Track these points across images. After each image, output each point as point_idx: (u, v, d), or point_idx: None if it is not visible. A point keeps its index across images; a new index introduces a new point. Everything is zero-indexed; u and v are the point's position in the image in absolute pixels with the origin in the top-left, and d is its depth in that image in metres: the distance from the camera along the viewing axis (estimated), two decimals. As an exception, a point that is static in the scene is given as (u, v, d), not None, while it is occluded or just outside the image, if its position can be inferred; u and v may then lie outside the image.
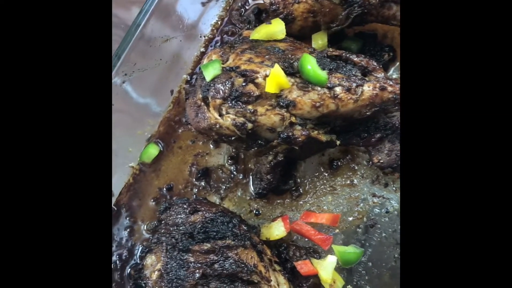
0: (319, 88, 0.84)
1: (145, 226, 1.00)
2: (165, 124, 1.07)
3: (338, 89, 0.84)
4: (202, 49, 1.09)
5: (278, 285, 0.85)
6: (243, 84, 0.83)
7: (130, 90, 1.02)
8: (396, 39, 1.01)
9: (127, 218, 1.02)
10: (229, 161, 1.02)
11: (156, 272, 0.81)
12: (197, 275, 0.78)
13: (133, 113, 1.05)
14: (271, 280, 0.84)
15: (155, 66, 1.05)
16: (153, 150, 1.04)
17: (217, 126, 0.85)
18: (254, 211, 0.98)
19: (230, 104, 0.83)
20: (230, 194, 1.01)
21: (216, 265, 0.79)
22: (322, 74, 0.82)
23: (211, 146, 1.04)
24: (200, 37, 1.09)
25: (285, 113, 0.84)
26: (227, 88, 0.83)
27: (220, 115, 0.85)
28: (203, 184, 1.02)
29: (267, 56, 0.86)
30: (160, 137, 1.06)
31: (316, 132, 0.86)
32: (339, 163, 0.98)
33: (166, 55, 1.06)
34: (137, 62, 1.00)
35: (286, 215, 0.95)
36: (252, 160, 1.00)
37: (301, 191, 0.98)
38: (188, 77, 1.09)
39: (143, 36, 0.99)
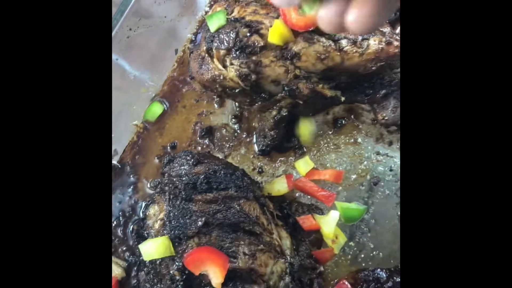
0: (324, 40, 0.83)
1: (149, 184, 1.01)
2: (169, 83, 1.07)
3: (343, 42, 0.83)
4: (207, 8, 1.08)
5: (280, 239, 0.85)
6: (248, 34, 0.82)
7: (136, 46, 1.01)
8: (403, -2, 1.00)
9: (131, 176, 1.02)
10: (233, 120, 1.02)
11: (159, 222, 0.81)
12: (200, 223, 0.78)
13: (138, 70, 1.05)
14: (273, 233, 0.84)
15: (159, 23, 1.04)
16: (157, 109, 1.04)
17: (221, 78, 0.84)
18: (257, 169, 0.98)
19: (234, 55, 0.83)
20: (234, 152, 1.01)
21: (218, 215, 0.79)
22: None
23: (215, 105, 1.04)
24: (206, -4, 1.09)
25: (289, 65, 0.83)
26: (231, 38, 0.83)
27: (224, 66, 0.84)
28: (206, 142, 1.02)
29: (272, 8, 0.85)
30: (164, 96, 1.06)
31: (320, 86, 0.86)
32: (343, 121, 0.97)
33: (170, 13, 1.06)
34: (142, 18, 1.00)
35: (291, 174, 0.95)
36: (255, 119, 1.00)
37: (304, 149, 0.97)
38: (193, 36, 1.08)
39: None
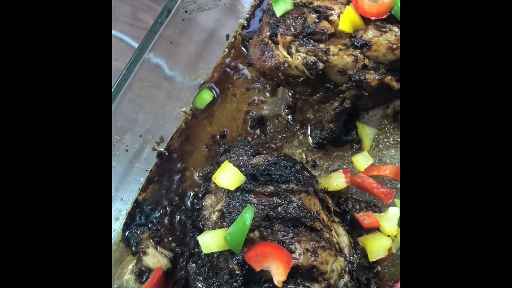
0: (396, 29, 0.78)
1: (197, 173, 0.98)
2: (219, 70, 1.03)
3: (416, 32, 0.79)
4: (262, -7, 1.04)
5: (338, 235, 0.82)
6: (316, 20, 0.78)
7: (188, 30, 0.98)
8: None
9: (179, 164, 0.99)
10: (286, 110, 0.98)
11: (216, 213, 0.78)
12: (261, 216, 0.74)
13: (188, 56, 1.01)
14: (332, 230, 0.81)
15: (214, 7, 1.00)
16: (207, 96, 1.01)
17: (285, 65, 0.80)
18: (311, 163, 0.95)
19: (301, 42, 0.79)
20: (286, 144, 0.97)
21: (279, 208, 0.76)
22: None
23: (267, 94, 1.00)
24: (260, -19, 1.04)
25: (358, 54, 0.79)
26: (298, 24, 0.79)
27: (289, 53, 0.80)
28: (257, 132, 0.98)
29: (341, -7, 0.81)
30: (214, 83, 1.02)
31: (389, 77, 0.81)
32: (404, 116, 0.93)
33: (224, -3, 1.02)
34: (197, 1, 0.96)
35: (348, 169, 0.91)
36: (310, 109, 0.96)
37: (362, 144, 0.93)
38: (245, 22, 1.04)
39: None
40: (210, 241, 0.74)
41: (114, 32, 1.25)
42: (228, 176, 0.77)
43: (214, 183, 0.81)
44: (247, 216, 0.72)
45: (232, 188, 0.76)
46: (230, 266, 0.73)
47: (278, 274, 0.70)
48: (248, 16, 1.05)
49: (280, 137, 0.98)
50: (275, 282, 0.70)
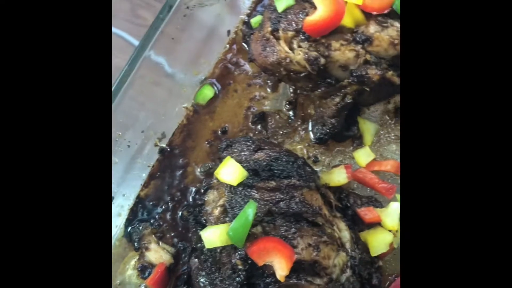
0: (397, 24, 0.78)
1: (199, 168, 0.98)
2: (220, 65, 1.03)
3: (417, 27, 0.79)
4: (263, -11, 1.04)
5: (339, 230, 0.82)
6: (318, 16, 0.78)
7: (189, 26, 0.98)
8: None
9: (180, 160, 0.99)
10: (287, 106, 0.98)
11: (219, 208, 0.78)
12: (264, 211, 0.75)
13: (189, 52, 1.01)
14: (334, 225, 0.81)
15: (215, 2, 1.00)
16: (209, 92, 1.01)
17: (287, 61, 0.80)
18: (312, 158, 0.95)
19: (303, 37, 0.79)
20: (287, 139, 0.97)
21: (281, 204, 0.76)
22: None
23: (268, 90, 1.00)
24: (261, -23, 1.04)
25: (360, 50, 0.79)
26: (300, 19, 0.79)
27: (291, 48, 0.80)
28: (259, 128, 0.99)
29: (343, -12, 0.81)
30: (215, 78, 1.03)
31: (390, 73, 0.82)
32: (405, 111, 0.93)
33: (224, -7, 1.02)
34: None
35: (349, 165, 0.91)
36: (311, 105, 0.96)
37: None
38: (246, 17, 1.04)
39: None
40: (213, 236, 0.74)
41: (113, 29, 1.25)
42: (230, 171, 0.77)
43: (216, 179, 0.81)
44: (250, 211, 0.73)
45: (235, 183, 0.76)
46: (232, 261, 0.74)
47: (281, 269, 0.71)
48: (249, 11, 1.05)
49: (281, 132, 0.98)
50: (278, 276, 0.71)
